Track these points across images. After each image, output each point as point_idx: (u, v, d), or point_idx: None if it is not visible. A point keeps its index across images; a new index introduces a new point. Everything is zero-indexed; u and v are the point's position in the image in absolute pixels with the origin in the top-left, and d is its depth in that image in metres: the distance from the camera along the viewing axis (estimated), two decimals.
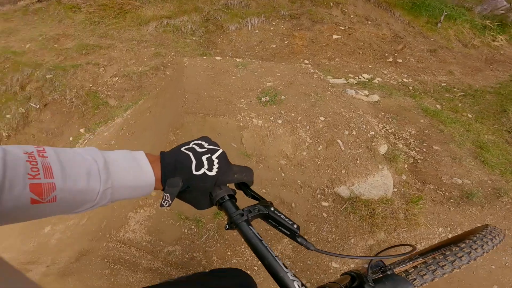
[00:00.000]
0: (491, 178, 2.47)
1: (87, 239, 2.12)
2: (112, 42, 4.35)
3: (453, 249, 0.75)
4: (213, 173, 0.53)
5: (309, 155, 1.99)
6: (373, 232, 1.91)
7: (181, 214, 1.91)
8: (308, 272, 1.84)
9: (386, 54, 4.15)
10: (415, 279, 0.72)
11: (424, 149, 2.64)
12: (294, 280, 0.50)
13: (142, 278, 1.89)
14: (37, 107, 3.71)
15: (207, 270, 0.82)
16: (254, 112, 1.97)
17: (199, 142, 0.58)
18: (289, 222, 0.55)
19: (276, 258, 0.52)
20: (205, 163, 0.53)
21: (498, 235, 0.84)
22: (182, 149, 0.55)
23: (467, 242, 0.78)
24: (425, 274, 0.73)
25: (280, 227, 0.56)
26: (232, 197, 0.60)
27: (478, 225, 0.98)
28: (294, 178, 1.90)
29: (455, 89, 3.71)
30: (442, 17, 4.84)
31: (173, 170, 0.52)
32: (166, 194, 0.52)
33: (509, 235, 2.10)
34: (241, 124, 1.91)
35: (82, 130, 3.38)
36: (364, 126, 2.12)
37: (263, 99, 2.06)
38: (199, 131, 1.87)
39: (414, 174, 2.39)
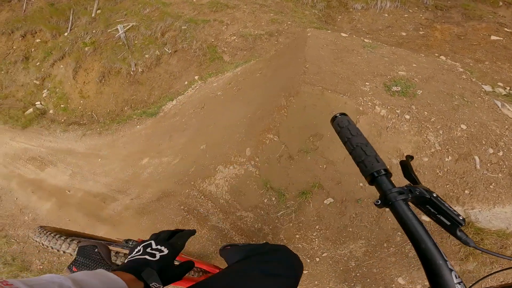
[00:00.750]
0: None
1: (173, 181, 2.31)
2: (238, 3, 4.52)
3: None
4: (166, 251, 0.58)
5: (431, 163, 1.65)
6: (467, 260, 1.55)
7: (267, 182, 1.88)
8: (368, 280, 1.64)
9: None
10: None
11: None
12: (452, 270, 0.44)
13: (205, 234, 1.97)
14: (169, 52, 4.25)
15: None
16: (379, 100, 1.72)
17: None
18: (454, 212, 0.49)
19: (436, 244, 0.46)
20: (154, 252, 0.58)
21: None
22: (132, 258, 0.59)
23: None
24: None
25: (439, 216, 0.50)
26: (388, 173, 0.55)
27: None
28: (401, 181, 1.61)
29: None
30: None
31: (140, 265, 0.55)
32: (153, 284, 0.53)
33: None
34: (361, 109, 1.70)
35: (196, 77, 3.73)
36: None
37: (393, 88, 1.78)
38: (314, 104, 1.75)
39: None
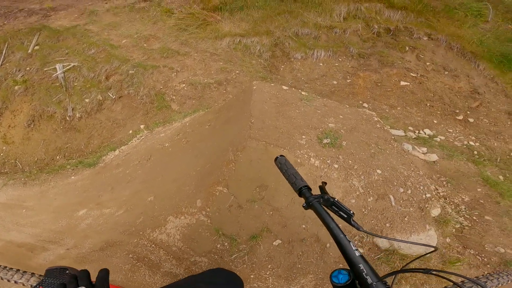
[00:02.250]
0: None
1: (118, 231, 2.26)
2: (189, 50, 4.78)
3: (487, 275, 0.97)
4: None
5: (357, 204, 1.96)
6: (400, 284, 1.86)
7: (219, 229, 1.99)
8: None
9: (457, 111, 3.91)
10: None
11: (474, 218, 2.49)
12: (350, 241, 0.67)
13: (159, 280, 1.97)
14: (113, 97, 4.20)
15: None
16: (313, 152, 2.02)
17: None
18: (348, 209, 0.75)
19: (339, 226, 0.72)
20: None
21: None
22: None
23: (479, 277, 1.04)
24: None
25: (340, 212, 0.76)
26: (309, 188, 0.85)
27: None
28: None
29: None
30: None
31: None
32: None
33: None
34: (299, 161, 1.97)
35: (142, 126, 3.73)
36: (421, 187, 2.03)
37: (324, 141, 2.10)
38: (259, 157, 1.97)
39: (458, 239, 2.29)
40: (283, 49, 4.96)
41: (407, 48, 4.85)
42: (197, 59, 4.62)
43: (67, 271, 0.84)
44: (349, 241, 0.67)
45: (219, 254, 1.99)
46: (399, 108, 3.75)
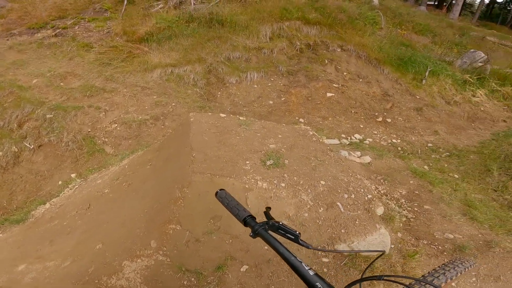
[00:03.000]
0: (481, 232, 2.57)
1: (70, 282, 2.00)
2: (117, 86, 4.50)
3: (433, 272, 1.00)
4: None
5: (311, 217, 2.03)
6: (373, 285, 1.93)
7: (181, 266, 1.86)
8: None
9: (376, 113, 4.46)
10: None
11: (416, 209, 2.75)
12: (301, 262, 0.69)
13: None
14: (31, 147, 3.67)
15: None
16: (259, 175, 2.04)
17: None
18: (293, 230, 0.77)
19: (287, 249, 0.73)
20: None
21: (467, 261, 1.13)
22: None
23: (443, 266, 1.07)
24: None
25: (287, 234, 0.77)
26: (252, 216, 0.85)
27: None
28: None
29: (441, 150, 3.96)
30: (427, 73, 5.33)
31: None
32: None
33: (504, 281, 2.18)
34: (247, 186, 1.96)
35: (73, 175, 3.32)
36: (362, 190, 2.21)
37: (268, 162, 2.15)
38: (206, 190, 1.90)
39: (408, 232, 2.49)
40: (217, 75, 5.06)
41: (326, 61, 5.42)
42: (127, 95, 4.36)
43: None
44: (300, 262, 0.69)
45: None
46: (330, 119, 4.11)
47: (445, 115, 4.87)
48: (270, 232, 0.79)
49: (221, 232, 1.92)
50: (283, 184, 2.04)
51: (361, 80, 5.14)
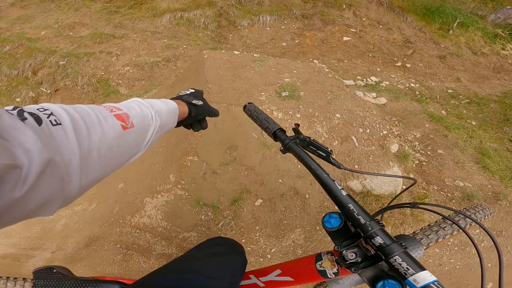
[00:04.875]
0: (491, 183, 2.55)
1: (97, 225, 2.14)
2: (126, 32, 4.38)
3: (453, 216, 0.93)
4: (201, 102, 0.82)
5: None
6: (398, 216, 2.00)
7: (199, 200, 1.96)
8: None
9: (395, 58, 4.24)
10: (421, 239, 0.85)
11: (429, 152, 2.71)
12: (334, 180, 0.64)
13: (154, 264, 1.94)
14: (48, 92, 3.74)
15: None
16: (274, 105, 2.04)
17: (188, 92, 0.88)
18: (324, 147, 0.73)
19: (320, 165, 0.68)
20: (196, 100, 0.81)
21: (488, 208, 1.10)
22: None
23: (463, 211, 1.00)
24: (429, 234, 0.86)
25: (318, 151, 0.73)
26: (283, 130, 0.81)
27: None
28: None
29: (461, 96, 3.82)
30: (455, 24, 4.93)
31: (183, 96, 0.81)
32: (193, 101, 0.80)
33: (506, 236, 2.20)
34: None
35: None
36: (377, 125, 2.20)
37: (283, 94, 2.14)
38: (223, 120, 1.94)
39: (420, 175, 2.47)
40: (228, 18, 4.81)
41: (344, 6, 5.03)
42: (138, 39, 4.26)
43: (54, 270, 0.82)
44: (333, 180, 0.63)
45: (206, 225, 1.96)
46: (346, 61, 3.94)
47: (470, 64, 4.58)
48: (300, 147, 0.74)
49: (236, 163, 1.98)
50: (298, 115, 2.05)
51: (381, 26, 4.81)
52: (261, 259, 1.93)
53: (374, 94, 3.17)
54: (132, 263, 1.95)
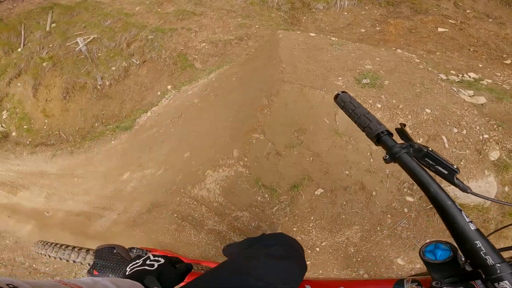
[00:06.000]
0: None
1: (161, 191, 2.27)
2: (205, 10, 4.55)
3: None
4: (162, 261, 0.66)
5: None
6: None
7: (258, 180, 1.93)
8: (370, 264, 1.75)
9: (505, 55, 3.51)
10: None
11: None
12: (461, 210, 0.50)
13: (204, 238, 1.97)
14: (137, 63, 4.15)
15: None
16: (352, 92, 1.86)
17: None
18: (449, 162, 0.56)
19: (442, 188, 0.53)
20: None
21: None
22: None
23: None
24: None
25: (437, 166, 0.56)
26: (390, 133, 0.64)
27: None
28: (382, 166, 1.77)
29: None
30: None
31: (141, 274, 0.62)
32: None
33: None
34: None
35: (169, 87, 3.69)
36: (478, 128, 1.84)
37: (364, 81, 1.93)
38: (295, 100, 1.85)
39: None
40: (303, 0, 4.59)
41: None
42: (214, 17, 4.39)
43: (115, 250, 0.84)
44: (460, 210, 0.50)
45: (260, 207, 1.94)
46: (438, 53, 3.41)
47: None
48: (414, 159, 0.58)
49: (303, 148, 1.88)
50: (379, 105, 1.83)
51: (490, 20, 4.02)
52: (309, 251, 1.84)
53: (471, 92, 2.67)
54: (184, 234, 2.03)
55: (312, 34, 2.67)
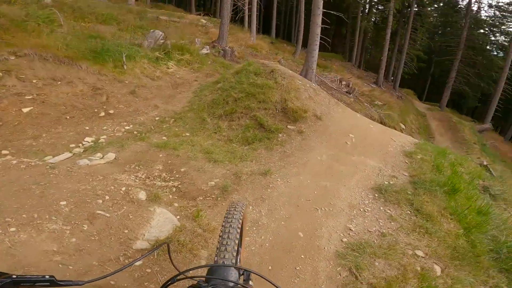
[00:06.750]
0: (226, 168, 3.18)
1: None
2: None
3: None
4: None
5: (78, 240, 1.70)
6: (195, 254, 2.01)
7: None
8: None
9: (96, 110, 4.20)
10: None
11: (177, 175, 2.94)
12: None
13: None
14: None
15: None
16: None
17: None
18: (39, 276, 0.56)
19: None
20: None
21: (239, 205, 1.20)
22: None
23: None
24: None
25: (36, 284, 0.56)
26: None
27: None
28: None
29: (167, 118, 4.57)
30: (124, 58, 5.59)
31: None
32: None
33: (254, 204, 2.90)
34: None
35: None
36: (113, 187, 2.15)
37: None
38: None
39: (182, 197, 2.65)
40: None
41: (0, 74, 4.09)
42: None
43: None
44: None
45: None
46: (44, 135, 3.36)
47: (155, 89, 5.56)
48: None
49: None
50: None
51: (59, 82, 4.46)
52: None
53: (99, 155, 3.00)
54: None
55: None
